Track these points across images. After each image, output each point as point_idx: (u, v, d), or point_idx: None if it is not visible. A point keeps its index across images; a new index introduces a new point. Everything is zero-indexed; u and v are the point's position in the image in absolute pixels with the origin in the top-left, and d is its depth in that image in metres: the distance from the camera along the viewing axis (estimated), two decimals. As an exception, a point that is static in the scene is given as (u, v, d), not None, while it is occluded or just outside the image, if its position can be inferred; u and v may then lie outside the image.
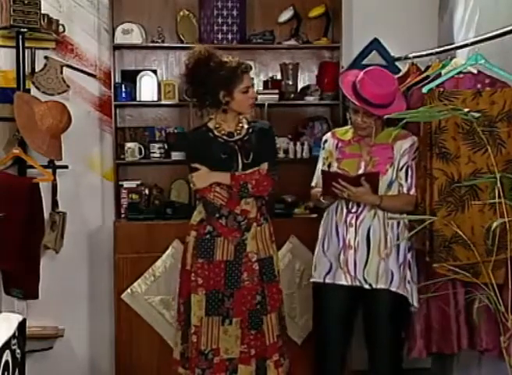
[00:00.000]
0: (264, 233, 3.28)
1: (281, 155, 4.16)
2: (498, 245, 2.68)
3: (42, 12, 3.80)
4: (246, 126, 3.31)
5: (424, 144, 3.13)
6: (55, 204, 3.98)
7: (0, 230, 3.60)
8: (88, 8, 4.15)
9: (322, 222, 3.33)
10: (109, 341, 4.14)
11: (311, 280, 3.35)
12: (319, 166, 3.36)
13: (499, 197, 2.60)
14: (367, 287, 3.16)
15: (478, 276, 2.83)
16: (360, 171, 3.18)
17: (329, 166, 3.29)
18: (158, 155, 4.11)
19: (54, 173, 3.91)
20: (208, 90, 3.21)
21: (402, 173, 3.18)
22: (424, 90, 3.16)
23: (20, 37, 3.79)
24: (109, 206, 4.17)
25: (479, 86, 3.19)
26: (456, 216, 3.04)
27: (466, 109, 2.77)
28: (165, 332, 3.88)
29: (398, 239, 3.16)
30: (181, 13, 4.19)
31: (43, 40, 4.00)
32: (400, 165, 3.18)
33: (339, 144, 3.30)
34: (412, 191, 3.18)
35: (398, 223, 3.18)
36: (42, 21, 3.82)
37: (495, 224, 2.52)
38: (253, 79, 3.97)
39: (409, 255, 3.20)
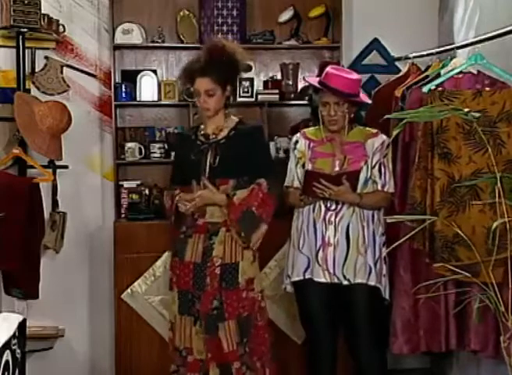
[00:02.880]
0: (233, 238, 3.16)
1: (281, 155, 4.16)
2: (498, 245, 2.68)
3: (42, 12, 3.80)
4: (227, 129, 3.22)
5: (426, 145, 3.13)
6: (55, 204, 3.98)
7: (0, 230, 3.59)
8: (88, 9, 4.15)
9: (294, 220, 3.33)
10: (109, 341, 4.14)
11: (292, 280, 3.30)
12: (292, 166, 3.36)
13: (500, 197, 2.60)
14: (346, 283, 3.18)
15: (477, 276, 2.83)
16: (336, 169, 3.19)
17: (303, 166, 3.30)
18: (158, 155, 4.12)
19: (54, 173, 3.91)
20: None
21: (375, 171, 3.23)
22: (425, 89, 3.16)
23: (20, 37, 3.78)
24: (109, 206, 4.17)
25: (479, 86, 3.19)
26: (457, 217, 3.05)
27: (466, 109, 2.77)
28: (165, 332, 3.87)
29: (374, 234, 3.21)
30: (181, 13, 4.19)
31: (43, 40, 4.00)
32: (373, 163, 3.23)
33: (311, 144, 3.30)
34: (386, 188, 3.23)
35: (373, 219, 3.22)
36: (42, 21, 3.82)
37: (495, 224, 2.52)
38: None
39: (384, 250, 3.22)
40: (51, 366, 4.11)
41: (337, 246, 3.18)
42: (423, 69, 3.72)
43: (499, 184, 2.60)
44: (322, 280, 3.20)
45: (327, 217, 3.20)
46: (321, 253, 3.19)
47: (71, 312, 4.16)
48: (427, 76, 3.47)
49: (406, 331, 3.32)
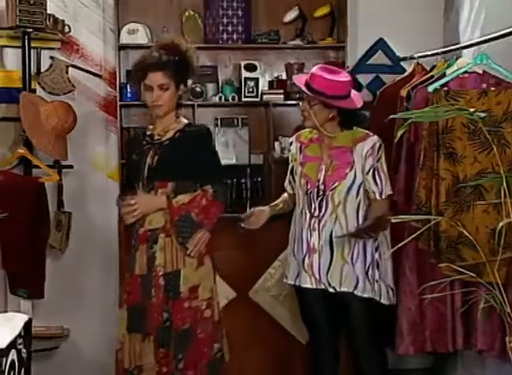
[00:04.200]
0: (174, 244, 3.03)
1: (286, 154, 4.15)
2: (503, 245, 2.68)
3: (48, 12, 3.81)
4: (173, 131, 3.10)
5: (431, 145, 3.12)
6: (60, 204, 3.99)
7: (5, 230, 3.60)
8: (94, 9, 4.16)
9: (291, 225, 3.33)
10: (114, 341, 4.14)
11: (284, 280, 3.36)
12: (288, 169, 3.38)
13: (505, 197, 2.59)
14: (331, 290, 3.16)
15: (482, 276, 2.83)
16: (321, 175, 3.16)
17: (292, 170, 3.31)
18: (163, 155, 4.11)
19: (59, 173, 3.92)
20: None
21: (369, 177, 3.13)
22: (430, 89, 3.15)
23: (26, 37, 3.79)
24: (114, 206, 4.17)
25: (484, 86, 3.19)
26: (462, 217, 3.04)
27: (471, 109, 2.77)
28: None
29: (364, 243, 3.13)
30: (186, 13, 4.20)
31: (48, 40, 4.01)
32: (366, 169, 3.12)
33: (302, 146, 3.29)
34: (384, 194, 3.14)
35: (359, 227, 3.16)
36: (48, 21, 3.83)
37: (501, 224, 2.51)
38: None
39: (376, 255, 3.17)
40: (57, 366, 4.12)
41: (321, 253, 3.15)
42: (428, 69, 3.72)
43: (504, 184, 2.60)
44: (309, 285, 3.19)
45: (311, 224, 3.17)
46: (307, 259, 3.18)
47: (76, 311, 4.17)
48: (432, 76, 3.46)
49: (412, 332, 3.31)
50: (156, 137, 3.12)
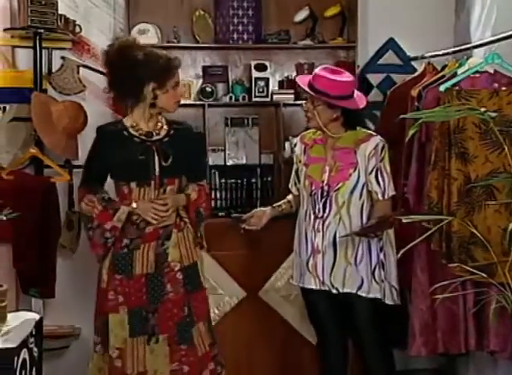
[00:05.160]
0: (187, 238, 3.07)
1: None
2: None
3: (59, 12, 3.83)
4: (166, 127, 3.09)
5: (443, 144, 3.11)
6: (71, 203, 4.00)
7: (16, 230, 3.62)
8: (104, 9, 4.17)
9: (296, 227, 3.32)
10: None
11: (290, 281, 3.39)
12: (295, 167, 3.38)
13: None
14: (334, 291, 3.16)
15: (493, 277, 2.82)
16: (325, 176, 3.16)
17: (297, 171, 3.32)
18: (173, 155, 4.12)
19: (70, 173, 3.93)
20: (135, 80, 2.93)
21: (372, 178, 3.13)
22: (442, 88, 3.14)
23: (37, 37, 3.81)
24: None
25: (496, 85, 3.17)
26: (473, 217, 3.03)
27: (483, 109, 2.76)
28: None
29: (369, 244, 3.13)
30: (197, 13, 4.20)
31: (59, 40, 4.02)
32: (369, 169, 3.13)
33: (306, 148, 3.29)
34: (386, 194, 3.14)
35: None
36: (59, 22, 3.85)
37: (511, 225, 2.51)
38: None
39: (381, 255, 3.17)
40: (67, 365, 4.12)
41: (325, 254, 3.15)
42: (439, 68, 3.70)
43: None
44: (313, 286, 3.20)
45: (316, 225, 3.17)
46: (311, 260, 3.19)
47: (87, 311, 4.14)
48: (443, 76, 3.45)
49: (424, 333, 3.29)
50: (154, 135, 3.06)
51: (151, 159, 3.01)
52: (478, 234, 2.82)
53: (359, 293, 3.14)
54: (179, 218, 3.07)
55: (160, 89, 2.99)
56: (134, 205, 3.01)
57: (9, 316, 2.56)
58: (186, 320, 3.02)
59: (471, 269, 2.85)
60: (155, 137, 3.06)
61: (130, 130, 3.04)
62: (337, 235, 3.13)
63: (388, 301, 3.18)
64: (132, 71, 2.92)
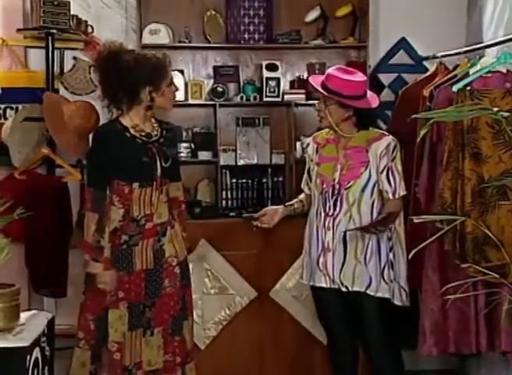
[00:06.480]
0: (177, 234, 3.13)
1: (307, 154, 4.15)
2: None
3: (71, 13, 3.85)
4: (158, 128, 3.11)
5: (456, 145, 3.09)
6: (83, 203, 4.01)
7: (28, 229, 3.63)
8: (116, 9, 4.19)
9: (306, 225, 3.32)
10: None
11: (300, 280, 3.40)
12: (308, 167, 3.37)
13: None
14: (344, 289, 3.16)
15: (506, 277, 2.81)
16: (336, 174, 3.16)
17: (309, 170, 3.32)
18: (184, 155, 4.12)
19: (82, 173, 3.94)
20: (131, 85, 2.94)
21: (383, 177, 3.13)
22: (455, 89, 3.13)
23: (50, 38, 3.83)
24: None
25: (508, 85, 3.16)
26: (487, 217, 3.01)
27: (495, 109, 2.75)
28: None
29: (379, 243, 3.13)
30: (208, 13, 4.21)
31: (72, 40, 4.05)
32: (380, 168, 3.13)
33: (318, 147, 3.29)
34: (397, 194, 3.14)
35: None
36: (71, 22, 3.87)
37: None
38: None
39: (391, 255, 3.17)
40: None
41: (335, 252, 3.15)
42: (451, 68, 3.69)
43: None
44: (323, 285, 3.20)
45: (326, 223, 3.17)
46: (322, 258, 3.19)
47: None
48: (455, 76, 3.44)
49: (435, 332, 3.28)
50: (153, 136, 3.07)
51: (154, 161, 3.04)
52: (491, 235, 2.80)
53: (367, 292, 3.14)
54: (171, 215, 3.12)
55: (156, 92, 3.01)
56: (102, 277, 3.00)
57: (22, 315, 2.57)
58: (181, 313, 3.10)
59: (484, 270, 2.83)
60: (154, 138, 3.08)
61: (131, 130, 3.04)
62: (347, 233, 3.13)
63: (397, 302, 3.18)
64: (126, 76, 2.94)
